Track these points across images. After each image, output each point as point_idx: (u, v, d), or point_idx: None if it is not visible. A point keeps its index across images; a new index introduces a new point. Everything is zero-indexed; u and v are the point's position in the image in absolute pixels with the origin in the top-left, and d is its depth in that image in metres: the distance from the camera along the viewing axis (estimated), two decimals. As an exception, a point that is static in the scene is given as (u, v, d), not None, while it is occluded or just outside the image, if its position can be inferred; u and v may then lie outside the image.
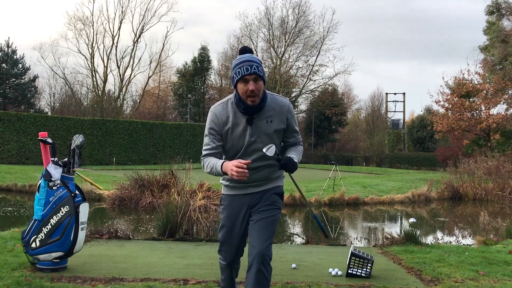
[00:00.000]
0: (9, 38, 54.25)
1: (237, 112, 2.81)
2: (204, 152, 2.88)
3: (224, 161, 2.72)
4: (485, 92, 23.68)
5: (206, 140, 2.88)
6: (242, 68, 2.69)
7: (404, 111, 48.03)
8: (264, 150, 2.71)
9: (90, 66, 39.23)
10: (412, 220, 9.89)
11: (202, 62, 44.51)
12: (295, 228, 9.49)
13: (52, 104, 43.69)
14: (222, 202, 3.02)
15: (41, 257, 4.26)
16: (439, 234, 8.64)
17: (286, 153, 2.95)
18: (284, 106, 2.87)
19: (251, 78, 2.69)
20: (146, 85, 43.63)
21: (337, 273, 4.50)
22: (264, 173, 2.90)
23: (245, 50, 2.83)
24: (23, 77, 37.71)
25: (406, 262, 4.98)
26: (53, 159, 4.42)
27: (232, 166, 2.59)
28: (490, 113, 23.22)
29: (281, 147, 2.98)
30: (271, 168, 2.91)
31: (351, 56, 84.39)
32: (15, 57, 37.23)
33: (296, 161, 2.83)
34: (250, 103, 2.73)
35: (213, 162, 2.77)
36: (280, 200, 2.98)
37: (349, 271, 4.44)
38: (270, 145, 2.73)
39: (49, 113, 40.06)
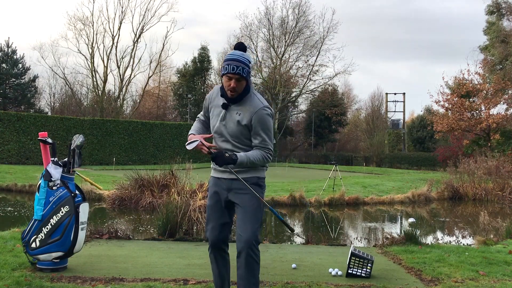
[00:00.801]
0: (9, 38, 54.27)
1: (219, 96, 3.18)
2: (197, 117, 3.44)
3: (192, 133, 3.23)
4: (485, 92, 23.68)
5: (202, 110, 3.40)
6: (229, 65, 2.99)
7: (404, 111, 48.05)
8: (187, 146, 3.11)
9: (90, 66, 39.24)
10: (411, 220, 9.89)
11: (202, 62, 44.50)
12: (295, 228, 9.49)
13: (52, 104, 43.74)
14: (209, 183, 3.32)
15: (41, 257, 4.26)
16: (439, 234, 8.64)
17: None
18: (255, 108, 3.05)
19: (234, 77, 2.99)
20: (146, 85, 43.65)
21: (337, 273, 4.50)
22: None
23: (238, 47, 3.10)
24: (23, 77, 37.71)
25: (406, 262, 4.98)
26: (53, 159, 4.42)
27: (190, 137, 3.14)
28: (490, 113, 23.21)
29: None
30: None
31: (351, 56, 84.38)
32: (15, 57, 37.24)
33: (236, 157, 2.99)
34: (229, 96, 3.07)
35: (192, 128, 3.33)
36: (258, 188, 3.14)
37: (349, 271, 4.44)
38: (195, 139, 3.11)
39: (49, 113, 40.07)
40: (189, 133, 3.26)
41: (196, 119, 3.42)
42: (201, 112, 3.38)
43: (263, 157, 3.06)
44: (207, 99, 3.29)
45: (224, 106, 3.10)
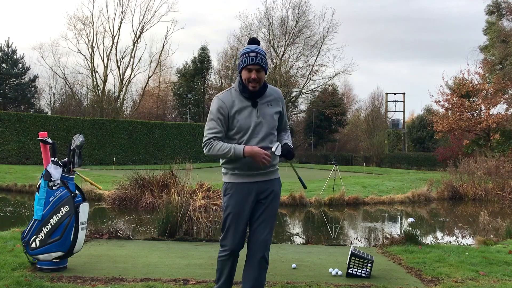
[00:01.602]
0: (9, 38, 54.41)
1: (241, 98, 3.06)
2: (209, 135, 3.03)
3: (245, 146, 2.96)
4: (485, 92, 23.68)
5: (211, 124, 3.04)
6: (248, 57, 2.99)
7: (404, 111, 48.06)
8: (273, 149, 3.00)
9: (90, 66, 39.25)
10: (410, 220, 9.89)
11: (202, 62, 44.49)
12: (295, 228, 9.49)
13: (52, 104, 43.72)
14: (228, 190, 3.12)
15: (41, 257, 4.26)
16: (439, 234, 8.64)
17: (280, 138, 3.27)
18: (278, 93, 3.24)
19: (254, 68, 2.99)
20: (146, 85, 43.66)
21: (337, 273, 4.50)
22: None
23: (253, 41, 3.12)
24: (23, 77, 37.74)
25: (406, 262, 4.98)
26: (53, 159, 4.42)
27: (263, 154, 2.91)
28: (490, 113, 23.22)
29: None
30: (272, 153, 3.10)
31: (351, 56, 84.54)
32: (15, 57, 37.27)
33: (292, 147, 3.19)
34: (251, 89, 3.02)
35: (229, 146, 2.98)
36: (280, 190, 3.25)
37: (349, 271, 4.44)
38: (277, 143, 3.06)
39: (49, 113, 40.05)
40: (241, 147, 2.95)
41: (214, 138, 3.01)
42: (217, 129, 3.01)
43: (290, 136, 3.32)
44: (222, 109, 3.01)
45: (255, 105, 3.05)
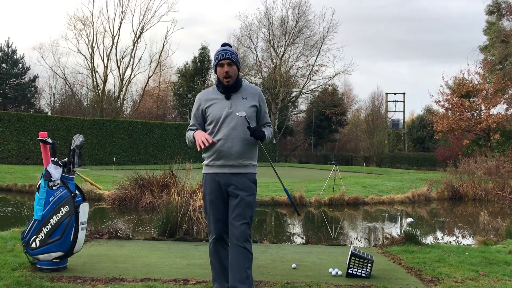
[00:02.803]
0: (9, 38, 54.45)
1: (217, 92, 3.38)
2: (188, 128, 3.47)
3: (197, 130, 3.32)
4: (485, 92, 23.68)
5: (191, 120, 3.49)
6: (219, 54, 3.31)
7: (404, 111, 48.09)
8: (237, 113, 3.21)
9: (90, 66, 39.26)
10: (409, 220, 9.89)
11: (202, 62, 44.49)
12: (295, 228, 9.49)
13: (52, 104, 43.71)
14: (203, 180, 3.41)
15: (41, 257, 4.26)
16: (439, 234, 8.64)
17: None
18: (256, 90, 3.47)
19: (225, 63, 3.28)
20: (146, 85, 43.66)
21: (337, 273, 4.50)
22: (239, 147, 3.27)
23: (224, 44, 3.43)
24: (23, 77, 37.73)
25: (406, 262, 4.98)
26: (53, 159, 4.42)
27: (203, 136, 3.17)
28: (490, 113, 23.21)
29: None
30: (245, 144, 3.28)
31: (351, 56, 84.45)
32: (15, 57, 37.26)
33: (265, 133, 3.33)
34: (226, 83, 3.31)
35: (190, 133, 3.39)
36: (254, 186, 3.36)
37: (349, 271, 4.44)
38: (242, 111, 3.24)
39: (49, 113, 40.05)
40: (192, 132, 3.35)
41: (189, 130, 3.45)
42: (192, 122, 3.44)
43: (272, 133, 3.50)
44: (200, 101, 3.41)
45: (227, 97, 3.31)
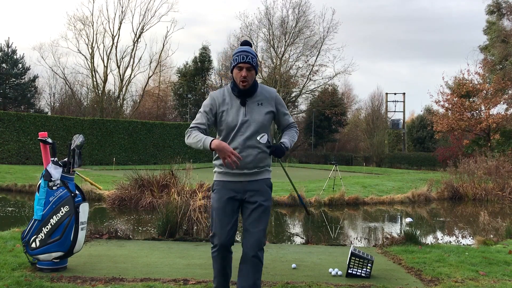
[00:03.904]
0: (9, 38, 54.45)
1: (232, 96, 3.18)
2: (192, 125, 3.16)
3: (214, 139, 3.01)
4: (485, 92, 23.68)
5: (198, 116, 3.20)
6: (239, 56, 3.11)
7: (404, 111, 48.05)
8: (258, 138, 3.09)
9: (90, 66, 39.21)
10: (408, 219, 9.89)
11: (203, 62, 44.46)
12: (295, 228, 9.49)
13: (52, 104, 43.68)
14: (214, 187, 3.24)
15: (41, 257, 4.26)
16: (439, 234, 8.64)
17: (281, 135, 3.35)
18: (272, 92, 3.29)
19: (245, 66, 3.09)
20: (146, 85, 43.62)
21: (337, 273, 4.50)
22: (254, 156, 3.13)
23: (245, 43, 3.26)
24: (23, 77, 37.71)
25: (406, 262, 4.98)
26: (53, 159, 4.42)
27: (229, 152, 2.93)
28: (490, 113, 23.22)
29: (275, 131, 3.28)
30: (261, 152, 3.16)
31: (351, 56, 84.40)
32: (15, 57, 37.23)
33: (287, 145, 3.22)
34: (242, 87, 3.12)
35: (202, 136, 3.06)
36: (270, 191, 3.24)
37: (349, 271, 4.44)
38: (263, 134, 3.12)
39: (49, 113, 40.03)
40: (209, 139, 3.00)
41: (195, 127, 3.14)
42: (199, 121, 3.15)
43: (296, 133, 3.38)
44: (212, 105, 3.16)
45: (242, 102, 3.15)
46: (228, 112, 3.14)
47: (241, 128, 3.11)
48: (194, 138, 3.08)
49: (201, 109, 3.20)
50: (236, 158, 2.93)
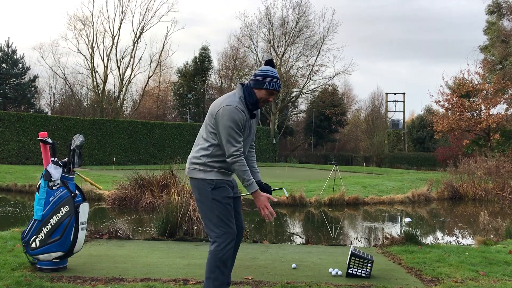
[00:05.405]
0: (9, 38, 54.39)
1: (245, 108, 3.28)
2: (238, 148, 3.16)
3: (258, 189, 3.22)
4: (485, 92, 23.66)
5: (237, 136, 3.16)
6: (276, 83, 3.24)
7: (404, 111, 48.04)
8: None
9: (90, 66, 39.21)
10: (407, 219, 9.89)
11: (203, 62, 44.44)
12: (295, 228, 9.49)
13: (52, 104, 43.68)
14: (219, 184, 3.29)
15: (41, 257, 4.26)
16: (439, 234, 8.64)
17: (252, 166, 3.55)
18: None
19: (275, 93, 3.29)
20: (146, 85, 43.61)
21: (337, 273, 4.50)
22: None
23: (271, 63, 3.33)
24: (23, 77, 37.70)
25: (406, 262, 4.98)
26: (53, 159, 4.42)
27: (266, 207, 3.21)
28: (490, 113, 23.20)
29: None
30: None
31: (351, 56, 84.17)
32: (15, 57, 37.23)
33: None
34: (260, 106, 3.32)
35: (250, 176, 3.20)
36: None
37: (349, 271, 4.44)
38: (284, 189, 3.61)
39: (49, 113, 40.03)
40: (254, 185, 3.22)
41: (242, 155, 3.18)
42: (240, 140, 3.18)
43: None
44: (244, 116, 3.20)
45: (253, 116, 3.35)
46: (246, 126, 3.29)
47: (246, 139, 3.34)
48: (244, 172, 3.16)
49: (237, 127, 3.14)
50: (271, 216, 3.21)
